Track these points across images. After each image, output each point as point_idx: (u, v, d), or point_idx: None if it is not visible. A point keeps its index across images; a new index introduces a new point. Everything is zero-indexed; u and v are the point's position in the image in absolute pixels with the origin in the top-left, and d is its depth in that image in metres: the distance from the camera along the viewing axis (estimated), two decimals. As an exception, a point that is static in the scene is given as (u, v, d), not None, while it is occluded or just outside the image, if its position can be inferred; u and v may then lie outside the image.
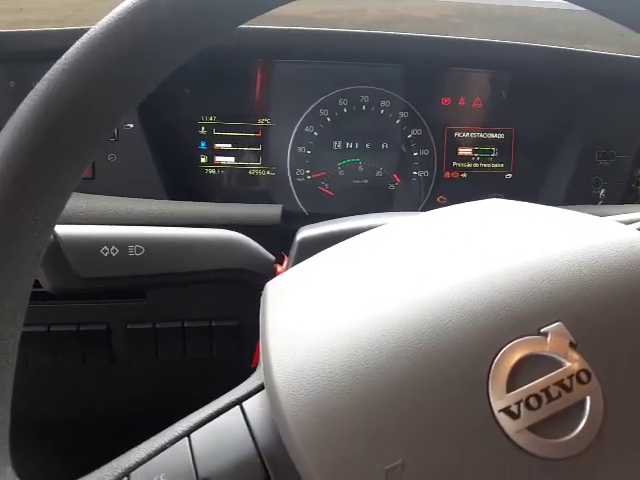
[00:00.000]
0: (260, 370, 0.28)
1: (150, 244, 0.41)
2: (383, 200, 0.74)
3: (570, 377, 0.22)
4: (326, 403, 0.23)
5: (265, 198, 0.72)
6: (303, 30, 0.67)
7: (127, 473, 0.25)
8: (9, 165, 0.21)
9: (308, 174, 0.73)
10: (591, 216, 0.30)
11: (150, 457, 0.25)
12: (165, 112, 0.70)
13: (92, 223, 0.55)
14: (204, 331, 0.62)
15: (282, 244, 0.49)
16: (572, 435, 0.21)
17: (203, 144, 0.72)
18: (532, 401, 0.21)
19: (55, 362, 0.62)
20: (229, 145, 0.72)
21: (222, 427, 0.27)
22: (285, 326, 0.27)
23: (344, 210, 0.55)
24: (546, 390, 0.22)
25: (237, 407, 0.27)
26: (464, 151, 0.75)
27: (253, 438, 0.26)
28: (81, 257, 0.39)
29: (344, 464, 0.22)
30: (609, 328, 0.23)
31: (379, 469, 0.21)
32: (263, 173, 0.73)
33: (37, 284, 0.27)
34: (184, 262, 0.42)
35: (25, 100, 0.22)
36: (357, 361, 0.23)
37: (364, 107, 0.73)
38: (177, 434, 0.26)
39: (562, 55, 0.71)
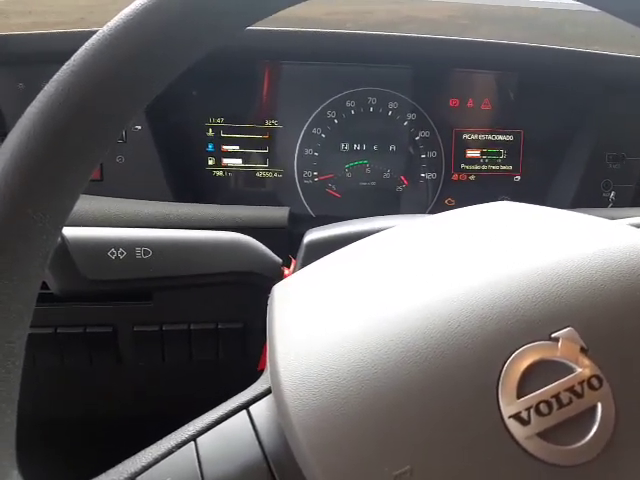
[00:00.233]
0: (267, 374, 0.28)
1: (157, 246, 0.41)
2: (390, 202, 0.74)
3: (581, 383, 0.21)
4: (333, 408, 0.22)
5: (272, 200, 0.72)
6: (310, 32, 0.66)
7: (133, 477, 0.25)
8: (17, 167, 0.21)
9: (315, 176, 0.73)
10: (602, 219, 0.30)
11: (157, 461, 0.25)
12: (173, 114, 0.70)
13: (100, 225, 0.56)
14: (210, 333, 0.62)
15: (289, 246, 0.49)
16: (583, 442, 0.21)
17: (210, 146, 0.72)
18: (542, 407, 0.21)
19: (62, 364, 0.62)
20: (236, 147, 0.72)
21: (229, 431, 0.26)
22: (292, 330, 0.27)
23: (351, 212, 0.55)
24: (557, 396, 0.21)
25: (244, 411, 0.27)
26: (472, 153, 0.75)
27: (260, 443, 0.26)
28: (88, 259, 0.39)
29: (351, 470, 0.21)
30: (621, 333, 0.23)
31: (387, 475, 0.21)
32: (270, 175, 0.73)
33: (44, 286, 0.27)
34: (191, 264, 0.42)
35: (33, 102, 0.22)
36: (365, 366, 0.23)
37: (372, 109, 0.73)
38: (184, 438, 0.26)
39: (571, 56, 0.71)
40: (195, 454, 0.26)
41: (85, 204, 0.60)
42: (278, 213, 0.64)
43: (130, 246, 0.40)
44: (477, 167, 0.75)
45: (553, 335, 0.22)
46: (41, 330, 0.59)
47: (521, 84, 0.74)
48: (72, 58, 0.22)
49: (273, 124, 0.72)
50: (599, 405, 0.21)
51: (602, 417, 0.21)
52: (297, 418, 0.23)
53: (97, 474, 0.25)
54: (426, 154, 0.74)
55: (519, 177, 0.76)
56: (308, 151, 0.73)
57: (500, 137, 0.75)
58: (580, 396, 0.21)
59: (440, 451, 0.21)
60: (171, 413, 0.45)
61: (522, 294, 0.24)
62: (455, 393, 0.22)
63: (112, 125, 0.23)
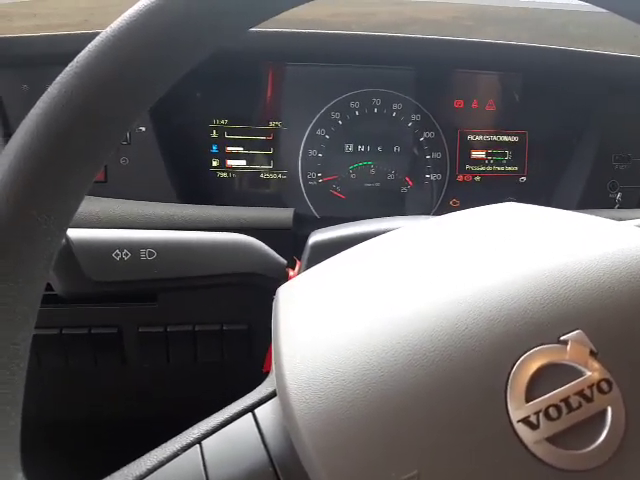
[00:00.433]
0: (272, 376, 0.27)
1: (162, 248, 0.41)
2: (395, 203, 0.74)
3: (591, 387, 0.21)
4: (339, 411, 0.22)
5: (276, 201, 0.72)
6: (314, 33, 0.66)
7: None
8: (21, 169, 0.21)
9: (320, 177, 0.73)
10: (610, 221, 0.30)
11: (161, 464, 0.25)
12: (177, 115, 0.70)
13: (104, 227, 0.56)
14: (215, 335, 0.62)
15: (294, 248, 0.49)
16: (593, 447, 0.21)
17: (214, 147, 0.72)
18: (552, 411, 0.21)
19: (67, 365, 0.62)
20: (240, 148, 0.72)
21: (234, 434, 0.26)
22: (298, 332, 0.27)
23: (355, 214, 0.55)
24: (566, 400, 0.21)
25: (249, 414, 0.27)
26: (477, 154, 0.75)
27: (265, 446, 0.25)
28: (93, 261, 0.39)
29: (358, 473, 0.21)
30: (630, 336, 0.23)
31: (394, 479, 0.21)
32: (274, 176, 0.73)
33: (49, 287, 0.27)
34: (196, 266, 0.42)
35: (37, 104, 0.22)
36: (371, 368, 0.23)
37: (376, 110, 0.73)
38: (189, 441, 0.26)
39: (575, 57, 0.70)
40: (200, 457, 0.25)
41: (89, 205, 0.60)
42: (283, 214, 0.64)
43: (135, 247, 0.40)
44: (482, 168, 0.75)
45: (562, 338, 0.22)
46: (46, 331, 0.59)
47: (525, 85, 0.74)
48: (75, 60, 0.22)
49: (277, 125, 0.72)
50: (609, 409, 0.21)
51: (612, 421, 0.21)
52: (303, 421, 0.23)
53: (102, 476, 0.25)
54: (431, 155, 0.74)
55: (524, 178, 0.76)
56: (312, 152, 0.72)
57: (505, 138, 0.75)
58: (590, 400, 0.21)
59: (448, 455, 0.21)
60: (176, 415, 0.45)
61: (530, 296, 0.23)
62: (463, 396, 0.22)
63: (115, 127, 0.23)
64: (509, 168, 0.75)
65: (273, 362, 0.27)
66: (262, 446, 0.25)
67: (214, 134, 0.71)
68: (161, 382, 0.66)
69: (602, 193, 0.72)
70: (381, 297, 0.26)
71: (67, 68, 0.22)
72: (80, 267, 0.39)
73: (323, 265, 0.32)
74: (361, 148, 0.73)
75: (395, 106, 0.73)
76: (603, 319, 0.23)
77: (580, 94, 0.73)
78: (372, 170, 0.73)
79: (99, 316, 0.61)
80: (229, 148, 0.72)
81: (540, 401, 0.21)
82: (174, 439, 0.27)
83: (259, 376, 0.31)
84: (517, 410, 0.21)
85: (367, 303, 0.26)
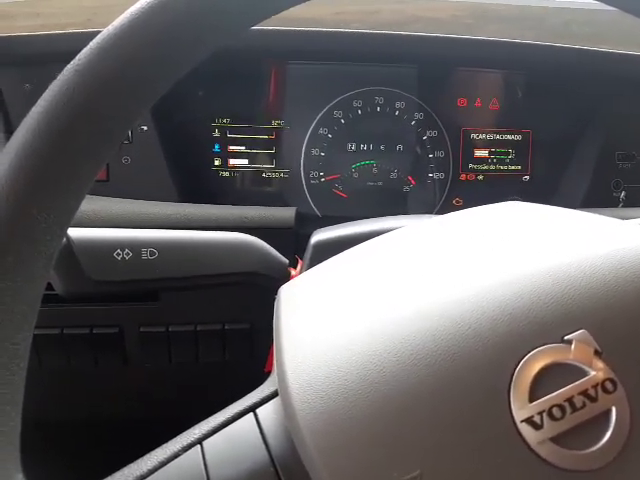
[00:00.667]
0: (274, 376, 0.27)
1: (163, 247, 0.41)
2: (398, 203, 0.74)
3: (595, 386, 0.21)
4: (341, 411, 0.22)
5: (278, 200, 0.72)
6: (316, 31, 0.66)
7: None
8: (22, 167, 0.21)
9: (322, 176, 0.73)
10: (614, 219, 0.29)
11: (162, 464, 0.25)
12: (179, 114, 0.70)
13: (105, 226, 0.56)
14: (217, 334, 0.62)
15: (296, 247, 0.49)
16: (597, 447, 0.20)
17: (217, 146, 0.72)
18: (555, 411, 0.21)
19: (68, 365, 0.62)
20: (243, 147, 0.72)
21: (235, 434, 0.26)
22: (299, 332, 0.27)
23: (358, 213, 0.54)
24: (570, 400, 0.21)
25: (251, 414, 0.27)
26: (480, 153, 0.74)
27: (267, 446, 0.25)
28: (94, 260, 0.39)
29: (360, 474, 0.21)
30: (635, 336, 0.23)
31: (396, 479, 0.21)
32: (277, 175, 0.73)
33: (50, 287, 0.27)
34: (197, 265, 0.42)
35: (38, 101, 0.22)
36: (373, 368, 0.23)
37: (379, 108, 0.72)
38: (190, 441, 0.26)
39: (579, 55, 0.70)
40: (201, 457, 0.25)
41: (91, 204, 0.60)
42: (285, 213, 0.63)
43: (136, 247, 0.40)
44: (485, 167, 0.75)
45: (566, 337, 0.22)
46: (47, 331, 0.59)
47: (529, 83, 0.74)
48: (77, 58, 0.22)
49: (279, 124, 0.72)
50: (613, 409, 0.21)
51: (616, 421, 0.21)
52: (304, 421, 0.22)
53: (102, 477, 0.25)
54: (434, 154, 0.74)
55: (528, 177, 0.75)
56: (315, 151, 0.72)
57: (508, 137, 0.74)
58: (594, 400, 0.21)
59: (450, 456, 0.21)
60: (177, 415, 0.45)
61: (534, 296, 0.23)
62: (466, 396, 0.21)
63: (117, 125, 0.23)
64: (512, 167, 0.75)
65: (275, 362, 0.27)
66: (263, 446, 0.25)
67: (216, 133, 0.71)
68: (162, 382, 0.66)
69: (606, 192, 0.72)
70: (383, 297, 0.26)
71: (68, 66, 0.22)
72: (81, 267, 0.39)
73: (325, 264, 0.32)
74: (364, 147, 0.73)
75: (398, 105, 0.72)
76: (607, 318, 0.23)
77: (585, 92, 0.73)
78: (375, 169, 0.73)
79: (100, 316, 0.61)
80: (231, 147, 0.72)
81: (544, 401, 0.21)
82: (175, 439, 0.27)
83: (261, 376, 0.31)
84: (521, 410, 0.21)
85: (369, 303, 0.26)
